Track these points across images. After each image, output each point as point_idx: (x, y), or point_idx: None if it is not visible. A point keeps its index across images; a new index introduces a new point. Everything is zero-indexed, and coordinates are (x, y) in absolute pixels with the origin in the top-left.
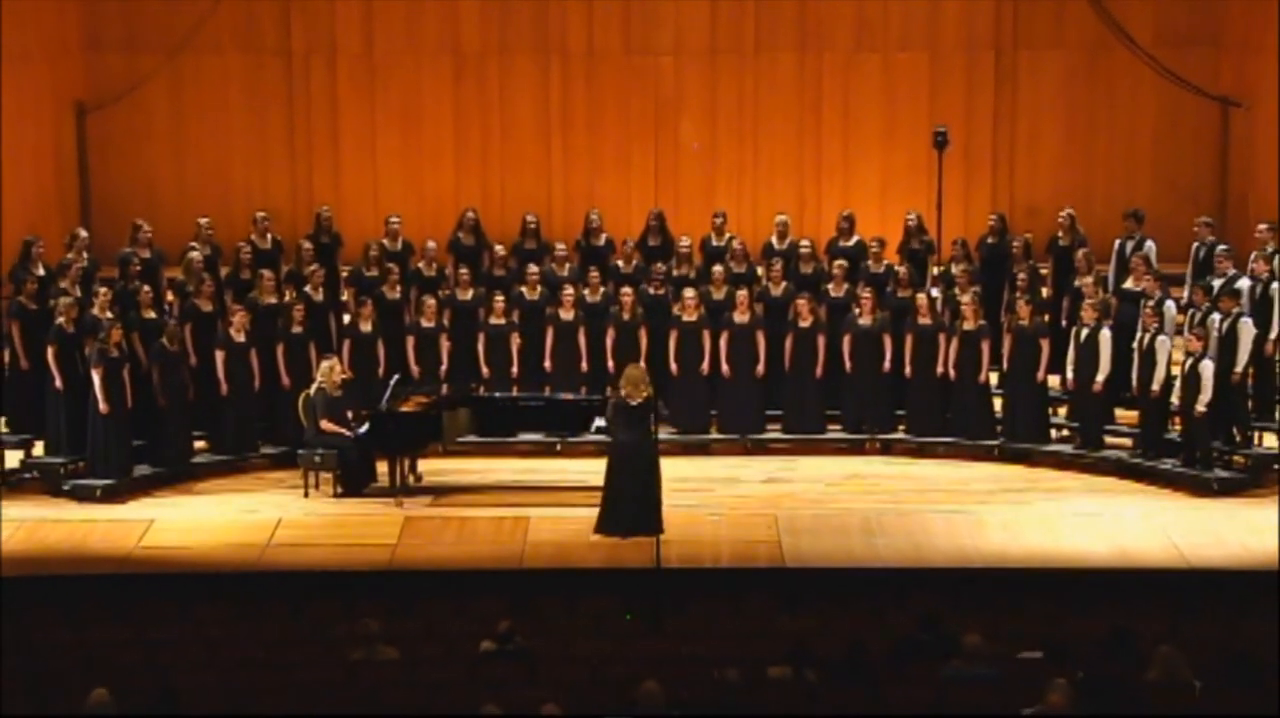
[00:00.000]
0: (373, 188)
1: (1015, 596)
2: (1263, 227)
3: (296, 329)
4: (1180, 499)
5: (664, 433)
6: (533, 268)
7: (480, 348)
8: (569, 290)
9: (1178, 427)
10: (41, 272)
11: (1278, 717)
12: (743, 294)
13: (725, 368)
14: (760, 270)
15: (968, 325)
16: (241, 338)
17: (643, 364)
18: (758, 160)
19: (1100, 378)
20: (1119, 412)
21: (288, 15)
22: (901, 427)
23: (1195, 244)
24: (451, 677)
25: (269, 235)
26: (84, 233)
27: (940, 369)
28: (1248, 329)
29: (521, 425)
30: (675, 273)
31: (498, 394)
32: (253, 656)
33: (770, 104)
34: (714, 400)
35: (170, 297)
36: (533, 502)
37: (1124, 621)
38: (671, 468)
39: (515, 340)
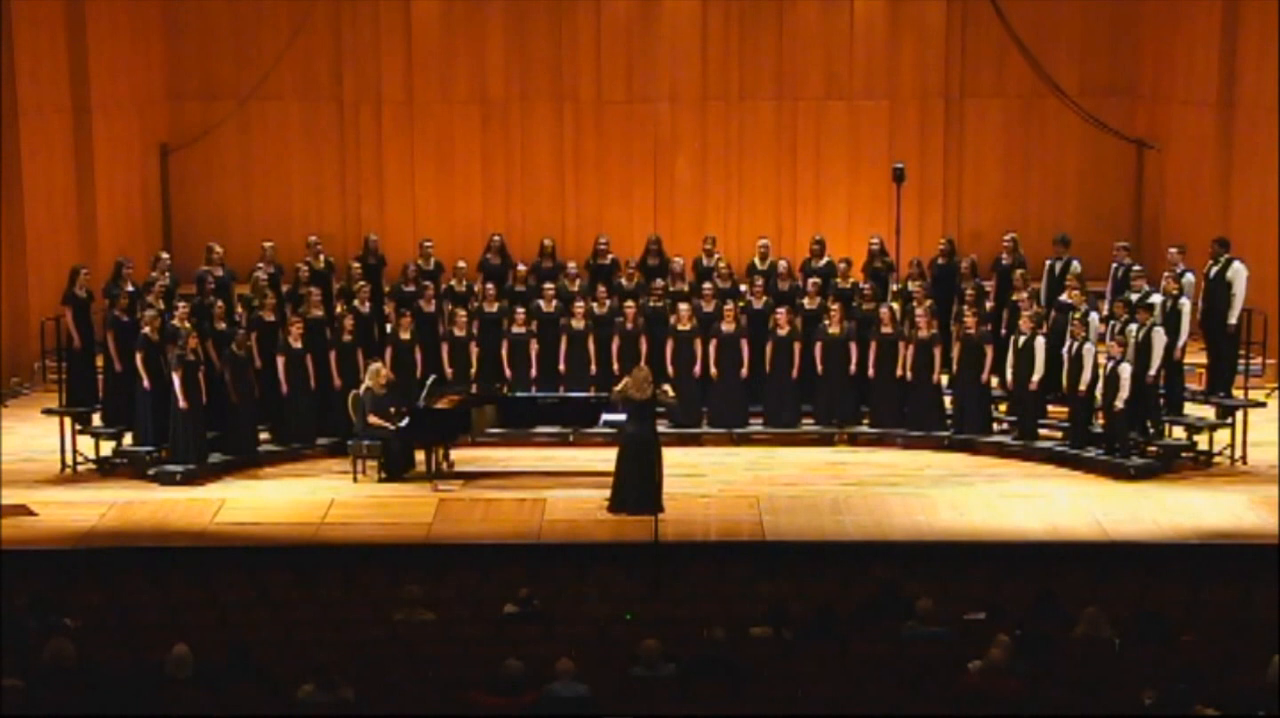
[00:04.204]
0: (412, 216)
1: (962, 565)
2: (1173, 250)
3: (347, 338)
4: (1103, 483)
5: (661, 427)
6: (549, 284)
7: (504, 353)
8: (580, 303)
9: (1101, 421)
10: (130, 288)
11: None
12: (729, 307)
13: (714, 371)
14: (744, 286)
15: (922, 334)
16: (299, 345)
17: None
18: (742, 192)
19: (1035, 379)
20: (1051, 408)
21: (340, 69)
22: (865, 421)
23: (1114, 265)
24: (479, 635)
25: (322, 257)
26: (166, 255)
27: (899, 372)
28: (1160, 338)
29: (539, 420)
30: (671, 289)
31: (519, 393)
32: (310, 616)
33: (753, 144)
34: (705, 399)
35: (239, 309)
36: (549, 485)
37: (1054, 586)
38: (667, 457)
39: (534, 347)
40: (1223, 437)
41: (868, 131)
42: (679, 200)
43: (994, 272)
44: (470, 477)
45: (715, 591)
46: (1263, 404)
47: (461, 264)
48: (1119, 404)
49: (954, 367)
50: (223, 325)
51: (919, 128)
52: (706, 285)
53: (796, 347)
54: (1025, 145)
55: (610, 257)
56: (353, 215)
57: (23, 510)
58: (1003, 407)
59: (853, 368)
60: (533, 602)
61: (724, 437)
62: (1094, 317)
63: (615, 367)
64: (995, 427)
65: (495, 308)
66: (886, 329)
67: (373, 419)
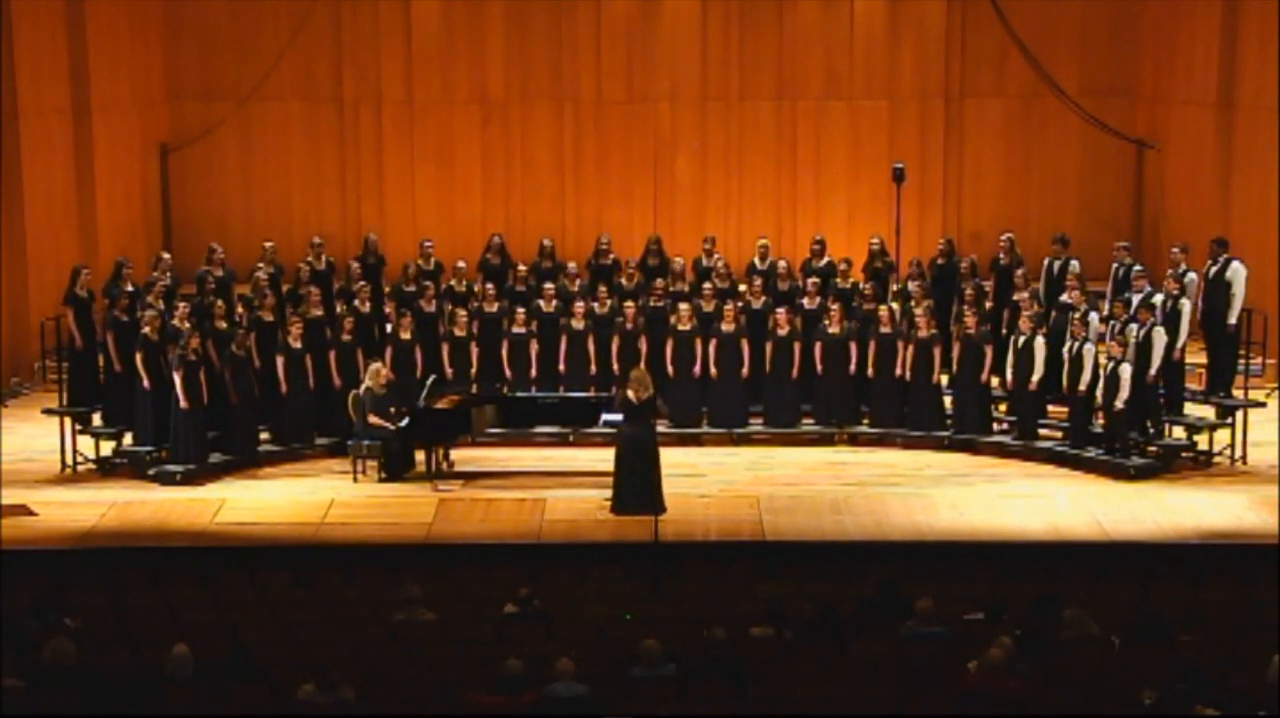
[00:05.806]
0: (412, 216)
1: (961, 565)
2: (1176, 250)
3: (346, 338)
4: (1103, 483)
5: (661, 427)
6: (549, 284)
7: (504, 353)
8: (580, 304)
9: (1101, 421)
10: (130, 288)
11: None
12: (729, 307)
13: (714, 370)
14: (743, 286)
15: (922, 334)
16: (298, 345)
17: (643, 367)
18: (742, 192)
19: (1035, 379)
20: (1051, 408)
21: (340, 69)
22: (865, 421)
23: (1115, 265)
24: (479, 635)
25: (323, 257)
26: (166, 255)
27: (899, 371)
28: (1160, 338)
29: (539, 420)
30: (671, 289)
31: (519, 393)
32: (310, 616)
33: (753, 144)
34: (705, 399)
35: (239, 309)
36: (549, 485)
37: (1054, 587)
38: (667, 456)
39: (534, 347)
40: (1223, 437)
41: (868, 132)
42: (679, 200)
43: (993, 271)
44: (470, 477)
45: (715, 591)
46: (1263, 404)
47: (461, 264)
48: (1119, 404)
49: (954, 367)
50: (223, 325)
51: (919, 128)
52: (706, 285)
53: (796, 347)
54: (1025, 145)
55: (610, 257)
56: (353, 215)
57: (23, 510)
58: (1003, 407)
59: (852, 368)
60: (533, 602)
61: (724, 437)
62: (1094, 317)
63: (615, 367)
64: (995, 427)
65: (495, 308)
66: (886, 329)
67: (373, 419)
